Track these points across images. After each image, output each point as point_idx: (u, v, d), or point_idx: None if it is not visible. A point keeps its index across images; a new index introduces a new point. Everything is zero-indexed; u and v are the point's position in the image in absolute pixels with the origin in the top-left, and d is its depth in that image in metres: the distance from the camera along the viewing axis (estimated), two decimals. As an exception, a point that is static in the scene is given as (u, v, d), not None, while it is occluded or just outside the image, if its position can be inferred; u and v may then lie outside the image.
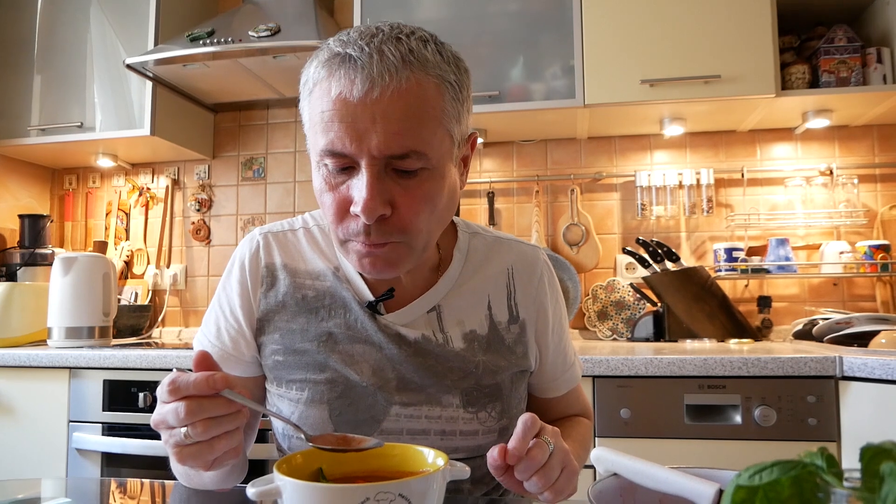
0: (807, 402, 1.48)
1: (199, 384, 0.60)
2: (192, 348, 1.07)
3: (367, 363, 0.84)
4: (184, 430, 0.60)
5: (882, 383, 1.40)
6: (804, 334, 2.01)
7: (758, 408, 1.49)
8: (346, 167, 0.73)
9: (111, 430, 1.80)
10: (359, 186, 0.71)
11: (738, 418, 1.51)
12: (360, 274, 0.87)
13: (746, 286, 2.25)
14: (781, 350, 1.69)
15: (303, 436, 0.66)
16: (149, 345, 2.08)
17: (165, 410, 0.61)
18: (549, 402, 1.00)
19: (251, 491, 0.57)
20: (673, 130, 2.21)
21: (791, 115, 2.13)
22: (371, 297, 0.86)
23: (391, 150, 0.70)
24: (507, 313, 0.90)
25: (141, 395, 1.78)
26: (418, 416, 0.84)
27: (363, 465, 0.67)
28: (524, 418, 0.69)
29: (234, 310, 0.88)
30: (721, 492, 0.57)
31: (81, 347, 1.94)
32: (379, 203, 0.71)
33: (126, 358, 1.78)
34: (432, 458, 0.66)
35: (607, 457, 0.65)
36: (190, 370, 0.63)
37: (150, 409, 1.79)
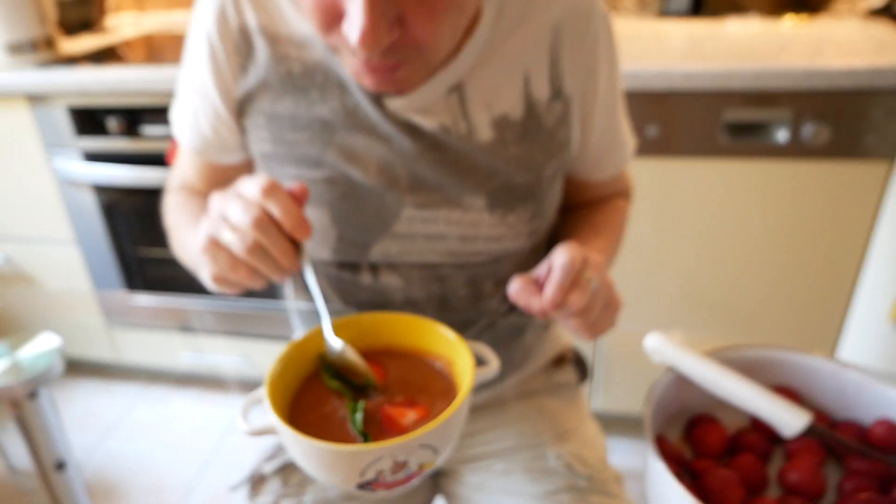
0: (868, 118, 1.28)
1: (291, 213, 0.52)
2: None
3: (372, 159, 0.68)
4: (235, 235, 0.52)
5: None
6: (884, 10, 1.68)
7: (809, 125, 1.30)
8: None
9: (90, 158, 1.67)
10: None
11: (782, 136, 1.34)
12: None
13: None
14: (852, 38, 1.42)
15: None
16: (111, 56, 1.79)
17: (239, 203, 0.53)
18: (586, 184, 0.84)
19: (245, 427, 0.54)
20: None
21: None
22: None
23: None
24: (548, 87, 0.69)
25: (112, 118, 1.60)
26: (434, 220, 0.71)
27: (374, 339, 0.64)
28: (564, 260, 0.56)
29: (208, 91, 0.71)
30: (813, 426, 0.46)
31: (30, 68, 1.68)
32: (383, 30, 0.49)
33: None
34: (452, 339, 0.60)
35: (666, 351, 0.52)
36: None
37: (124, 133, 1.64)
